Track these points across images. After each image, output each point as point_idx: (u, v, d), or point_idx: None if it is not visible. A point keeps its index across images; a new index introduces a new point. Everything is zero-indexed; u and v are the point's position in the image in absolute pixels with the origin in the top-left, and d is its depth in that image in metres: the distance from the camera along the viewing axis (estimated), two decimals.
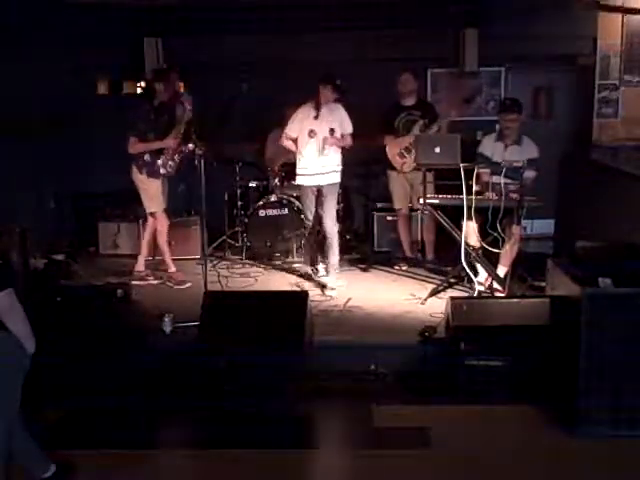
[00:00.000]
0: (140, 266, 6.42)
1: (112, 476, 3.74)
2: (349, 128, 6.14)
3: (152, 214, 6.30)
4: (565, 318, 4.19)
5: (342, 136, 6.11)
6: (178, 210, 7.17)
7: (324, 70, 6.10)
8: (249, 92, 7.13)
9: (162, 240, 6.35)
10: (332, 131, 6.02)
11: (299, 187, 6.34)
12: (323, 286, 6.14)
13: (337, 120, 6.06)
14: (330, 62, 7.14)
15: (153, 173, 6.12)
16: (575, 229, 6.40)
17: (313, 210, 6.25)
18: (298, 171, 6.18)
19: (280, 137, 6.32)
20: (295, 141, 6.15)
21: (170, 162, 6.10)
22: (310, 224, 6.31)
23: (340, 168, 6.18)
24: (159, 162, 6.07)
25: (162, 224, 6.31)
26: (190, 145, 5.99)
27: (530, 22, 7.14)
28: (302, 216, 6.47)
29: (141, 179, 6.14)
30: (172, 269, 6.42)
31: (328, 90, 5.96)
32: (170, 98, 6.12)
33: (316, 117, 5.99)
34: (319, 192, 6.17)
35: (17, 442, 3.33)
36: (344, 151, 6.20)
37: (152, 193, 6.20)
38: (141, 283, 6.29)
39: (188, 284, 6.29)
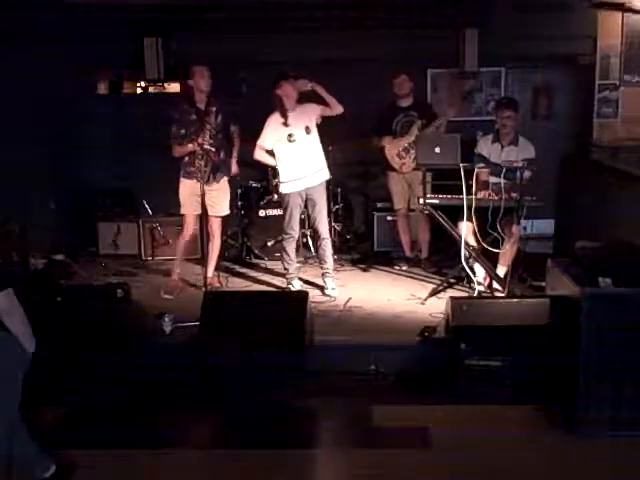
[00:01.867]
0: (209, 272, 6.12)
1: (112, 476, 3.74)
2: (318, 111, 5.92)
3: (183, 216, 6.10)
4: (565, 318, 4.19)
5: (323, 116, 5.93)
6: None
7: (296, 70, 5.97)
8: (248, 92, 7.13)
9: (179, 243, 6.18)
10: (307, 129, 5.91)
11: (282, 198, 6.11)
12: (322, 288, 6.14)
13: (307, 117, 5.92)
14: (330, 62, 7.16)
15: (186, 174, 5.92)
16: (575, 229, 6.41)
17: (298, 218, 6.09)
18: (283, 179, 5.99)
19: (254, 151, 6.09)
20: (270, 153, 6.02)
21: (196, 165, 5.82)
22: (295, 234, 6.10)
23: (326, 164, 6.08)
24: (197, 164, 5.82)
25: (187, 227, 6.09)
26: (190, 145, 5.93)
27: (530, 22, 7.14)
28: (287, 227, 6.05)
29: (180, 179, 5.99)
30: (173, 276, 6.20)
31: (282, 90, 5.81)
32: (208, 95, 5.86)
33: (287, 124, 5.89)
34: (308, 197, 6.01)
35: (17, 442, 3.33)
36: (343, 150, 6.16)
37: (183, 194, 5.99)
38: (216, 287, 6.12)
39: (170, 296, 5.95)
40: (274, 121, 5.94)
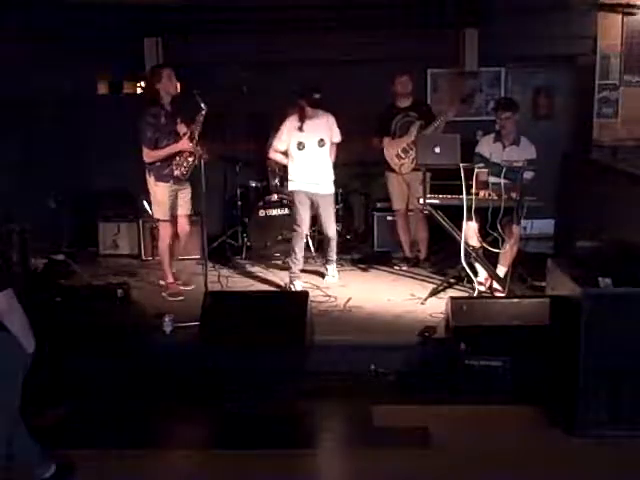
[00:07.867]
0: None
1: (112, 476, 3.74)
2: (337, 137, 6.13)
3: (158, 220, 6.04)
4: (565, 318, 4.19)
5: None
6: None
7: (310, 75, 6.09)
8: (249, 92, 7.12)
9: (163, 247, 6.07)
10: (322, 141, 6.02)
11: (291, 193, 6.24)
12: (323, 275, 6.23)
13: (325, 129, 6.03)
14: (330, 62, 7.16)
15: (161, 177, 5.82)
16: (575, 229, 6.40)
17: (306, 217, 6.11)
18: (290, 177, 6.13)
19: (268, 151, 6.33)
20: (284, 153, 6.15)
21: (184, 164, 5.80)
22: (301, 230, 6.11)
23: (333, 178, 6.19)
24: (172, 166, 5.79)
25: (164, 231, 6.02)
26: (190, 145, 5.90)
27: (530, 22, 7.14)
28: (294, 223, 6.16)
29: (150, 182, 5.89)
30: (169, 279, 6.11)
31: (304, 104, 5.93)
32: (174, 97, 5.82)
33: (301, 129, 5.98)
34: (313, 201, 6.12)
35: (17, 442, 3.33)
36: (343, 150, 6.18)
37: (158, 198, 5.90)
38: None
39: (181, 297, 5.96)
40: (290, 125, 6.03)
